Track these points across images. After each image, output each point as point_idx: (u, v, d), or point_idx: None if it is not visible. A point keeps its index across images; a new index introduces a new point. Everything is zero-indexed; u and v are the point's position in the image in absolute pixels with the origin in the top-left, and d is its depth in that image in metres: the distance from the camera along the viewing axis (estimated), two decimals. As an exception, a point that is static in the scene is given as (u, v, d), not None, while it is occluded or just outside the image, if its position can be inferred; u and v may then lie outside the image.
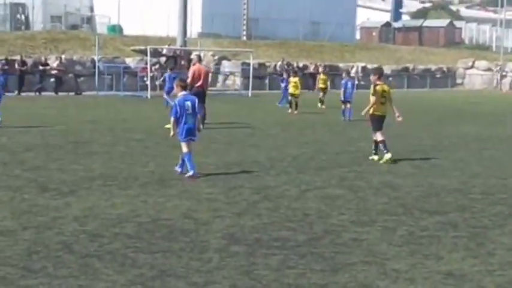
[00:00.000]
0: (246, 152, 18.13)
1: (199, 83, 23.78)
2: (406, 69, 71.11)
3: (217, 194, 12.35)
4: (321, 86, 38.05)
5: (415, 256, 8.72)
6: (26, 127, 23.20)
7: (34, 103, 36.58)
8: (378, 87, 17.33)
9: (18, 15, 67.75)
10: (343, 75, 34.47)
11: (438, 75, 73.46)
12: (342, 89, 30.30)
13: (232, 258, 8.51)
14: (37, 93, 43.90)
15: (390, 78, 67.97)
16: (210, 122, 24.68)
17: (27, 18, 68.14)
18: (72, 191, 12.30)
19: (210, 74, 34.38)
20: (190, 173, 14.09)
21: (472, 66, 75.61)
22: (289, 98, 33.11)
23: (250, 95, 47.30)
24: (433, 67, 73.84)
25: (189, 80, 24.36)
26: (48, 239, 9.14)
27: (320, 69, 40.70)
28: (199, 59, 25.60)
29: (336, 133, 24.10)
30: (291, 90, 32.82)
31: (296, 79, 32.85)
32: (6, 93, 41.98)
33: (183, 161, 14.31)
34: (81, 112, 30.65)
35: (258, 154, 17.77)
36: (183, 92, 14.58)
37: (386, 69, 68.30)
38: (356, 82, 61.96)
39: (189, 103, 14.28)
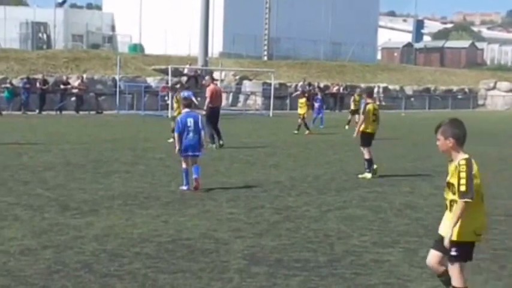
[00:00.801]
0: (267, 172, 18.09)
1: (216, 103, 24.29)
2: (427, 90, 70.94)
3: (238, 214, 12.30)
4: (353, 108, 36.79)
5: (436, 278, 8.58)
6: (47, 146, 23.28)
7: (55, 122, 36.75)
8: (369, 106, 18.03)
9: (40, 34, 68.30)
10: (362, 95, 34.32)
11: (460, 96, 73.21)
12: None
13: (253, 279, 8.46)
14: (58, 112, 44.13)
15: (412, 99, 67.95)
16: (232, 141, 24.75)
17: (49, 37, 68.69)
18: (93, 210, 12.29)
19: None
20: (184, 187, 14.71)
21: (494, 87, 75.33)
22: (299, 120, 32.29)
23: (271, 115, 47.30)
24: (455, 88, 73.62)
25: (207, 100, 24.63)
26: (68, 258, 9.13)
27: (357, 91, 40.23)
28: (213, 79, 26.13)
29: (357, 153, 23.92)
30: (298, 110, 32.57)
31: (303, 99, 32.59)
32: (28, 112, 42.55)
33: (186, 176, 14.86)
34: (102, 131, 30.75)
35: (279, 174, 17.72)
36: (186, 110, 15.20)
37: (408, 90, 68.40)
38: (378, 102, 62.08)
39: (191, 120, 14.78)
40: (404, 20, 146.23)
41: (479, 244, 10.42)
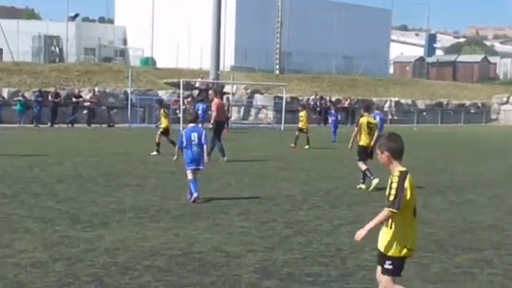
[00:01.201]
0: (279, 186, 18.04)
1: (222, 117, 24.66)
2: (440, 104, 70.83)
3: (249, 228, 12.25)
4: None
5: (449, 294, 8.58)
6: (59, 159, 23.31)
7: (67, 135, 36.84)
8: (362, 119, 18.45)
9: (53, 48, 68.67)
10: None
11: (472, 111, 73.05)
12: None
13: (264, 293, 8.41)
14: (70, 125, 44.24)
15: (424, 113, 67.83)
16: (243, 155, 24.75)
17: (61, 50, 69.04)
18: (104, 223, 12.27)
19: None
20: (195, 195, 14.96)
21: (507, 102, 75.12)
22: (296, 132, 31.81)
23: (282, 128, 47.28)
24: (468, 102, 73.47)
25: (214, 114, 24.78)
26: (79, 271, 9.11)
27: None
28: (217, 93, 26.53)
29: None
30: (299, 124, 32.16)
31: (303, 113, 32.21)
32: (40, 125, 42.67)
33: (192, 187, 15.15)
34: (113, 144, 30.80)
35: (291, 188, 17.67)
36: (192, 124, 15.59)
37: (420, 104, 68.29)
38: (390, 117, 62.11)
39: (195, 134, 15.20)
40: (417, 34, 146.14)
41: (492, 259, 10.38)
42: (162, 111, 27.30)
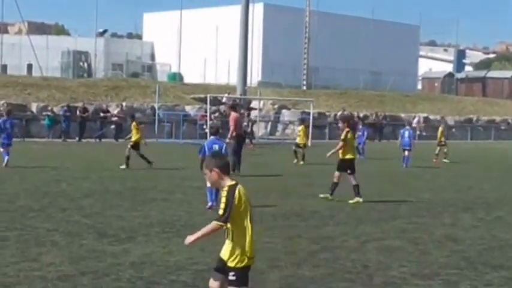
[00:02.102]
0: (305, 202, 17.96)
1: (240, 131, 24.93)
2: (469, 120, 70.34)
3: (275, 244, 12.18)
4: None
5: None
6: (86, 173, 23.41)
7: (94, 149, 37.01)
8: (350, 134, 18.61)
9: (81, 63, 69.21)
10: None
11: (503, 127, 72.45)
12: (400, 138, 32.08)
13: (290, 309, 8.34)
14: (97, 140, 44.46)
15: (453, 129, 67.37)
16: (269, 171, 24.72)
17: (89, 66, 69.60)
18: (130, 238, 12.27)
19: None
20: (209, 203, 15.70)
21: (538, 118, 74.44)
22: (293, 147, 31.48)
23: (309, 144, 47.14)
24: (498, 118, 72.87)
25: (232, 128, 24.93)
26: (105, 285, 9.11)
27: (442, 124, 39.83)
28: (235, 108, 26.68)
29: (396, 183, 23.80)
30: (297, 139, 31.80)
31: (301, 127, 31.87)
32: (68, 140, 42.93)
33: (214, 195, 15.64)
34: (140, 159, 30.83)
35: (317, 204, 17.58)
36: (212, 137, 16.69)
37: (450, 120, 67.81)
38: (418, 132, 61.79)
39: (216, 146, 15.91)
40: (445, 50, 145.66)
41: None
42: (133, 124, 26.87)
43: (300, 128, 31.82)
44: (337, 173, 18.50)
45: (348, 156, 18.40)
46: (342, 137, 18.45)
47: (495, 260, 11.50)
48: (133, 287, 9.05)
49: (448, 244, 12.71)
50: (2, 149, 24.97)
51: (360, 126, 37.05)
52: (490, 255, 11.84)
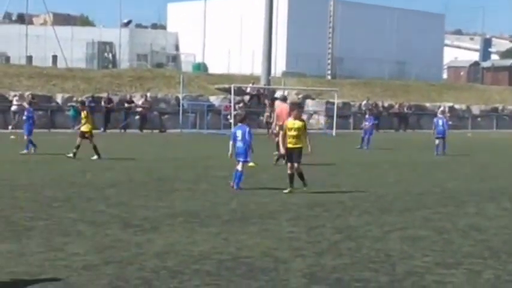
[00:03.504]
0: (329, 191, 17.96)
1: (282, 123, 24.65)
2: (495, 109, 69.92)
3: (298, 233, 12.21)
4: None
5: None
6: (111, 164, 23.56)
7: (119, 140, 37.19)
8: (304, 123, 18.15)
9: (106, 54, 69.49)
10: (439, 114, 35.14)
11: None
12: (434, 127, 32.72)
13: (313, 298, 8.37)
14: (122, 131, 44.67)
15: (479, 119, 66.98)
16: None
17: (114, 56, 69.88)
18: (155, 228, 12.34)
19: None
20: (231, 183, 17.78)
21: None
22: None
23: (334, 134, 47.15)
24: (524, 108, 72.32)
25: (274, 119, 25.06)
26: (129, 274, 9.17)
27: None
28: (284, 99, 26.40)
29: (421, 173, 23.74)
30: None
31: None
32: (94, 130, 43.17)
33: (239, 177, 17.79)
34: (165, 149, 31.03)
35: (341, 194, 17.58)
36: (239, 124, 18.36)
37: (475, 110, 67.43)
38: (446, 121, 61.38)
39: (239, 131, 17.85)
40: (471, 39, 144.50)
41: None
42: (84, 112, 25.89)
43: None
44: (289, 164, 17.63)
45: (300, 145, 17.53)
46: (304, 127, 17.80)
47: (519, 249, 11.47)
48: (157, 277, 9.10)
49: (472, 233, 12.67)
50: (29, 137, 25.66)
51: (367, 116, 36.71)
52: (514, 245, 11.80)
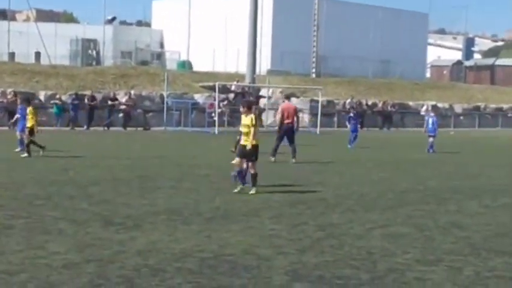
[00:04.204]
0: (312, 189, 17.97)
1: (288, 120, 24.70)
2: (477, 108, 70.30)
3: (281, 231, 12.22)
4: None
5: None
6: (94, 161, 23.49)
7: (102, 138, 37.09)
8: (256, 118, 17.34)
9: (90, 51, 69.26)
10: (423, 112, 35.69)
11: (510, 115, 72.41)
12: (425, 125, 33.73)
13: (294, 295, 8.38)
14: (106, 128, 44.55)
15: (461, 117, 67.29)
16: (278, 158, 24.79)
17: (98, 53, 69.66)
18: (137, 225, 12.31)
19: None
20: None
21: (545, 106, 74.29)
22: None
23: (318, 132, 47.19)
24: (505, 106, 72.81)
25: (278, 117, 25.37)
26: (110, 272, 9.14)
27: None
28: (288, 98, 26.73)
29: (404, 171, 23.81)
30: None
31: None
32: (76, 128, 43.04)
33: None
34: (148, 147, 30.94)
35: (324, 191, 17.60)
36: None
37: (457, 108, 67.72)
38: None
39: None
40: (454, 38, 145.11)
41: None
42: (29, 109, 25.30)
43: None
44: (237, 159, 17.11)
45: (255, 143, 16.98)
46: (253, 122, 17.00)
47: (499, 246, 11.53)
48: (138, 275, 9.09)
49: (452, 231, 12.74)
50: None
51: (351, 114, 36.58)
52: (494, 242, 11.86)
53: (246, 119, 17.13)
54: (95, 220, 12.70)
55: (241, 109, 17.65)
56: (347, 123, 36.18)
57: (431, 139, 32.21)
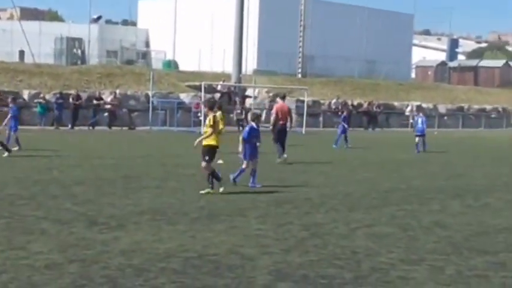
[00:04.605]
0: (298, 189, 18.00)
1: (282, 121, 25.05)
2: (461, 108, 70.60)
3: (266, 230, 12.24)
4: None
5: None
6: (78, 161, 23.41)
7: (87, 137, 36.96)
8: (217, 119, 17.27)
9: (75, 50, 68.92)
10: (415, 113, 36.11)
11: (493, 115, 72.79)
12: (414, 125, 34.79)
13: (278, 295, 8.40)
14: (91, 128, 44.37)
15: (445, 118, 67.54)
16: (263, 158, 24.77)
17: (83, 52, 69.32)
18: (121, 225, 12.29)
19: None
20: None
21: (527, 107, 74.79)
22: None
23: (304, 132, 47.22)
24: (488, 107, 73.21)
25: (273, 117, 25.34)
26: (93, 272, 9.12)
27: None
28: (283, 98, 26.66)
29: (388, 171, 23.87)
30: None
31: (218, 113, 29.90)
32: (60, 127, 42.86)
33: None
34: (134, 147, 30.87)
35: (310, 191, 17.62)
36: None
37: (441, 109, 67.96)
38: (411, 120, 61.86)
39: (246, 129, 18.54)
40: (439, 39, 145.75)
41: (506, 262, 10.29)
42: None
43: (218, 113, 30.02)
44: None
45: (210, 143, 16.85)
46: (211, 123, 16.85)
47: (481, 245, 11.60)
48: (122, 275, 9.07)
49: (435, 230, 12.80)
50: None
51: (344, 114, 36.51)
52: (476, 241, 11.93)
53: (207, 119, 17.14)
54: (79, 220, 12.67)
55: (205, 109, 17.86)
56: (343, 123, 35.90)
57: (417, 139, 32.51)
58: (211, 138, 16.85)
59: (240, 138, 18.40)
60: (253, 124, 18.75)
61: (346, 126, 34.72)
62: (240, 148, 18.30)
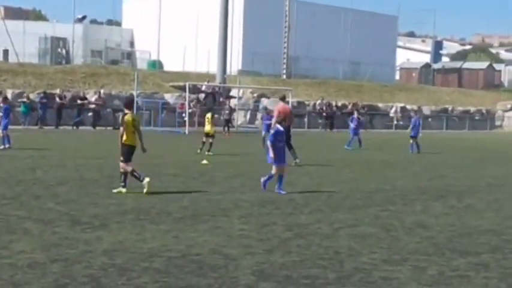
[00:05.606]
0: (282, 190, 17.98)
1: (284, 123, 24.93)
2: (445, 110, 70.95)
3: (249, 231, 12.24)
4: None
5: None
6: (62, 161, 23.34)
7: (71, 137, 36.86)
8: (126, 117, 16.99)
9: (59, 50, 68.64)
10: (412, 114, 36.30)
11: (477, 117, 73.20)
12: (411, 126, 34.16)
13: (261, 295, 8.40)
14: (75, 127, 44.26)
15: (429, 119, 67.78)
16: (248, 159, 24.79)
17: (68, 52, 69.07)
18: (104, 225, 12.27)
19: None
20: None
21: (511, 109, 75.20)
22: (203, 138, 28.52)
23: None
24: (472, 109, 73.62)
25: (274, 120, 25.11)
26: (76, 272, 9.10)
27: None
28: (283, 99, 26.45)
29: (373, 172, 23.94)
30: (205, 128, 28.75)
31: (209, 115, 29.06)
32: (44, 127, 42.74)
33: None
34: (118, 147, 30.74)
35: (293, 192, 17.63)
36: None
37: (425, 110, 68.23)
38: (395, 122, 62.10)
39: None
40: (423, 41, 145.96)
41: (488, 263, 10.35)
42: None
43: (209, 115, 29.05)
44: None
45: (126, 142, 16.96)
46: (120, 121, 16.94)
47: (463, 246, 11.64)
48: (105, 274, 9.05)
49: (418, 231, 12.84)
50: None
51: (355, 116, 36.71)
52: (458, 242, 11.97)
53: (134, 117, 17.06)
54: (62, 220, 12.63)
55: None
56: (350, 123, 36.21)
57: (411, 140, 33.30)
58: (127, 138, 16.80)
59: (268, 143, 17.76)
60: (279, 127, 17.94)
61: (354, 126, 35.49)
62: (271, 153, 17.38)
